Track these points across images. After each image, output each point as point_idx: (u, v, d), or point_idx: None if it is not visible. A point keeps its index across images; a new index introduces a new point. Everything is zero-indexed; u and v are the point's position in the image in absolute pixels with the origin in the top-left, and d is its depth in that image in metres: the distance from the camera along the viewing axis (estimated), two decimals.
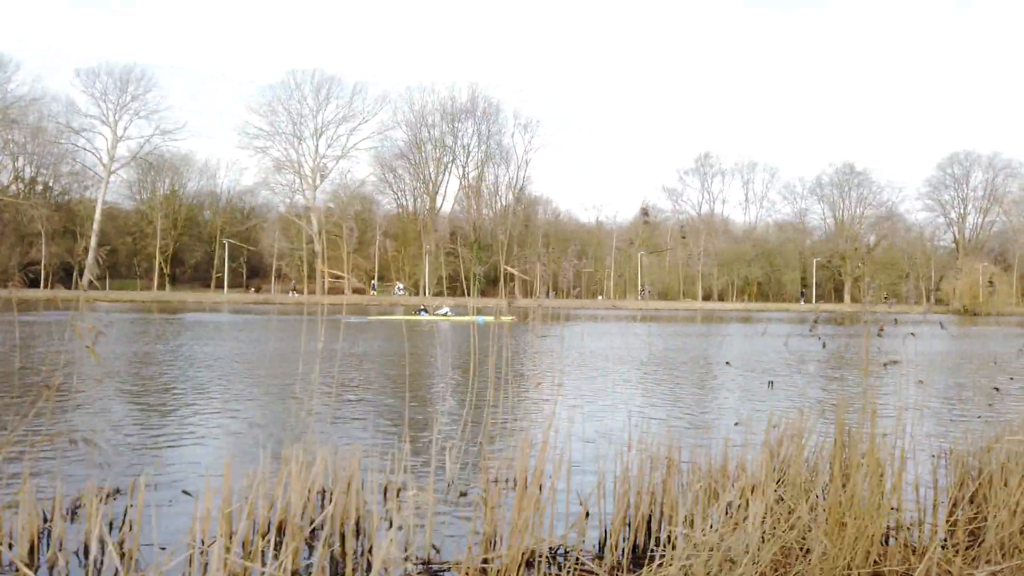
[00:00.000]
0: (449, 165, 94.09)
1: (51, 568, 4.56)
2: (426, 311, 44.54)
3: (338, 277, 67.36)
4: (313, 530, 5.15)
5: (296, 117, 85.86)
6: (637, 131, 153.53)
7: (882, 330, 5.59)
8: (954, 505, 5.33)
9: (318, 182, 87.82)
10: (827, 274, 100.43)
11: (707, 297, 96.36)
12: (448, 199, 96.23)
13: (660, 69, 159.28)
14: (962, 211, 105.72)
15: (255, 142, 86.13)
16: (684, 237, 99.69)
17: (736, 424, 8.98)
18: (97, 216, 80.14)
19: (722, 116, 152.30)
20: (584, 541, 5.06)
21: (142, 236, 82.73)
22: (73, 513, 5.44)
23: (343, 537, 4.99)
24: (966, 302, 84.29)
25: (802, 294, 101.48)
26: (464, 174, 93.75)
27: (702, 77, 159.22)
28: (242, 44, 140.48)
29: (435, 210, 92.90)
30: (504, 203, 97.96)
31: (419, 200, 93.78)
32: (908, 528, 4.91)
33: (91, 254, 78.37)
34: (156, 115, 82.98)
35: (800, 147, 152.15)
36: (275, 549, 4.78)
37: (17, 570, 4.27)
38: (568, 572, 4.40)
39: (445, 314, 43.19)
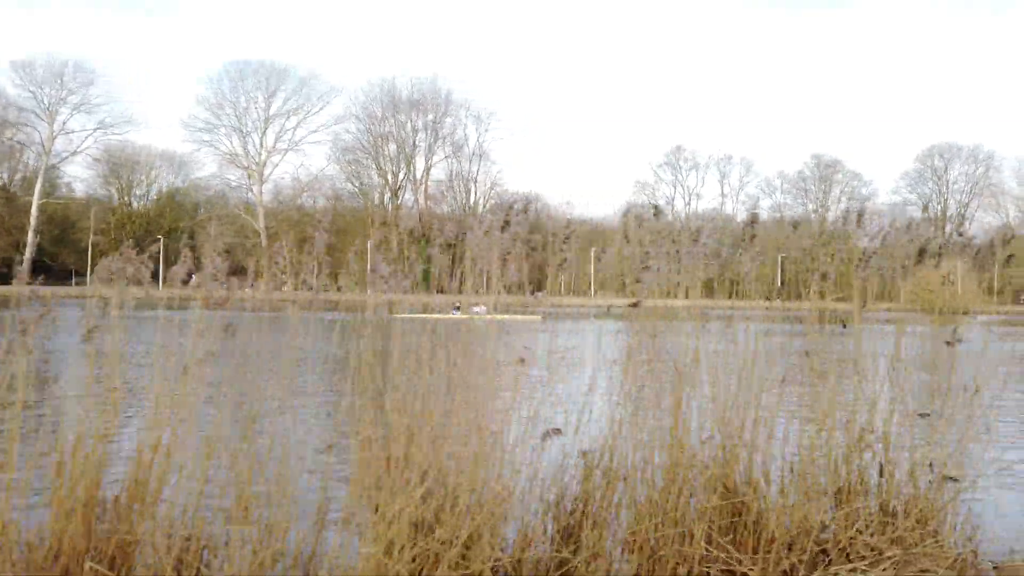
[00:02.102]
0: (414, 158, 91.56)
1: None
2: (459, 309, 42.79)
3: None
4: None
5: (240, 110, 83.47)
6: (613, 126, 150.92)
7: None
8: None
9: (265, 176, 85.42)
10: (798, 270, 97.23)
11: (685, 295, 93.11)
12: (417, 193, 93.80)
13: (635, 64, 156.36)
14: (943, 204, 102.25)
15: (201, 136, 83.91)
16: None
17: None
18: (34, 212, 78.02)
19: (698, 110, 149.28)
20: None
21: (75, 231, 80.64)
22: None
23: None
24: (927, 299, 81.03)
25: (778, 292, 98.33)
26: (427, 167, 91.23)
27: (678, 71, 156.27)
28: (199, 35, 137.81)
29: (397, 205, 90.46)
30: (476, 198, 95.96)
31: (384, 195, 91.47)
32: None
33: (28, 249, 76.64)
34: (100, 108, 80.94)
35: (779, 142, 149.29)
36: None
37: None
38: None
39: (478, 313, 41.77)
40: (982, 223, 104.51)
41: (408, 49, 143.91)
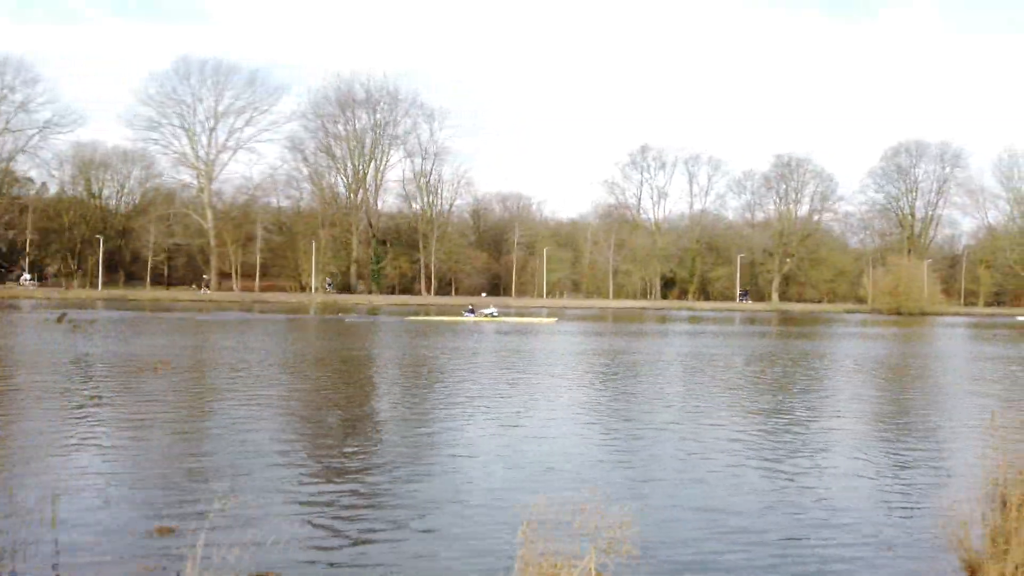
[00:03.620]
0: (375, 158, 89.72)
1: None
2: (472, 311, 43.71)
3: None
4: None
5: (186, 108, 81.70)
6: (584, 124, 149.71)
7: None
8: None
9: (213, 174, 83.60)
10: (758, 270, 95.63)
11: (646, 294, 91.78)
12: (382, 190, 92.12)
13: (606, 63, 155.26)
14: (911, 203, 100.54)
15: (148, 134, 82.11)
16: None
17: None
18: None
19: (666, 110, 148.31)
20: None
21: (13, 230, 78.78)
22: None
23: None
24: (889, 300, 79.37)
25: (745, 293, 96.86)
26: (378, 167, 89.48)
27: (650, 71, 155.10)
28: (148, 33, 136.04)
29: (357, 202, 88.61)
30: (441, 198, 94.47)
31: (333, 194, 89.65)
32: None
33: None
34: (44, 107, 78.97)
35: (748, 141, 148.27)
36: None
37: None
38: None
39: (491, 315, 42.81)
40: (957, 223, 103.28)
41: (366, 47, 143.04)
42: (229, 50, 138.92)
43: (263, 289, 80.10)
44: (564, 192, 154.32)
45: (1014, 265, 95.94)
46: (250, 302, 65.89)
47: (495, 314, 43.41)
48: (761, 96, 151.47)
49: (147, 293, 69.05)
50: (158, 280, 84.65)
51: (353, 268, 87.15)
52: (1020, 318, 69.21)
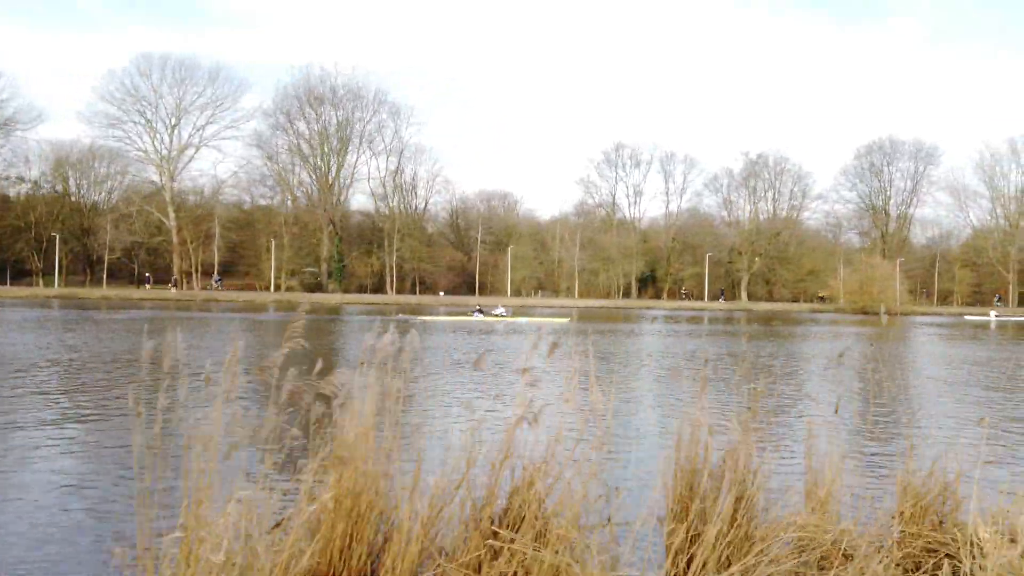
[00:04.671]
0: (342, 153, 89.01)
1: None
2: (481, 312, 43.16)
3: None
4: None
5: (146, 104, 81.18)
6: (560, 122, 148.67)
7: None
8: None
9: (175, 172, 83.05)
10: (726, 269, 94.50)
11: (609, 294, 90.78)
12: (349, 188, 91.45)
13: (587, 63, 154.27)
14: (885, 201, 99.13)
15: (108, 132, 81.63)
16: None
17: None
18: None
19: (644, 108, 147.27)
20: None
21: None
22: None
23: None
24: (855, 299, 78.14)
25: (722, 292, 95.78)
26: (339, 164, 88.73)
27: (625, 70, 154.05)
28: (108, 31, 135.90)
29: (323, 200, 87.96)
30: (417, 197, 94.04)
31: (311, 190, 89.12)
32: None
33: None
34: (6, 104, 78.65)
35: (726, 139, 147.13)
36: None
37: None
38: None
39: (501, 315, 42.27)
40: (941, 222, 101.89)
41: (333, 43, 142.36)
42: (197, 46, 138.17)
43: (228, 288, 79.51)
44: (548, 191, 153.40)
45: (996, 264, 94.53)
46: (200, 300, 65.32)
47: (505, 314, 42.73)
48: (740, 95, 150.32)
49: (97, 292, 68.45)
50: (129, 279, 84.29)
51: (324, 267, 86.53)
52: (968, 317, 67.92)
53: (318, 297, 73.82)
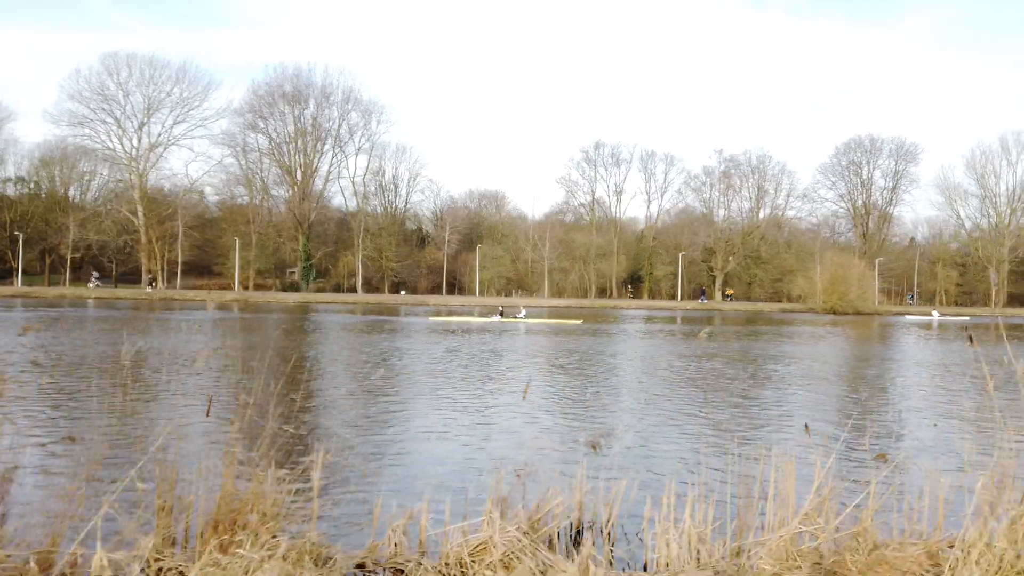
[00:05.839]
0: (311, 152, 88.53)
1: None
2: (503, 314, 43.02)
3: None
4: None
5: (113, 103, 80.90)
6: (540, 121, 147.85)
7: None
8: None
9: (144, 171, 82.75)
10: (699, 269, 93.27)
11: (594, 293, 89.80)
12: (317, 187, 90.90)
13: (573, 63, 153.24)
14: (865, 200, 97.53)
15: (75, 130, 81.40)
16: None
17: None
18: None
19: (620, 107, 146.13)
20: None
21: None
22: None
23: None
24: (825, 299, 76.69)
25: (702, 292, 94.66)
26: (306, 164, 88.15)
27: (608, 69, 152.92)
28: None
29: (297, 198, 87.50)
30: (399, 195, 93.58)
31: (287, 190, 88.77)
32: None
33: None
34: None
35: (713, 140, 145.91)
36: None
37: None
38: None
39: (522, 316, 41.93)
40: (916, 221, 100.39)
41: (310, 40, 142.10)
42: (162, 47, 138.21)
43: (198, 287, 79.26)
44: (539, 191, 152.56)
45: (985, 262, 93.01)
46: (157, 299, 64.95)
47: (525, 315, 42.64)
48: (729, 93, 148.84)
49: (52, 291, 68.19)
50: (107, 278, 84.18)
51: (300, 267, 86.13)
52: (909, 318, 66.73)
53: (276, 295, 73.30)
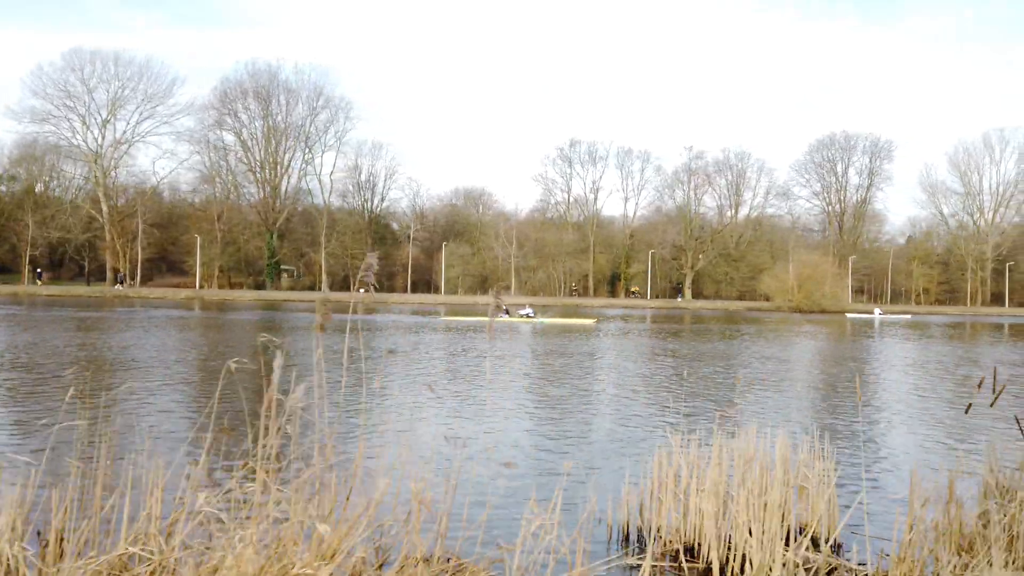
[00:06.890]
0: (280, 150, 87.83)
1: None
2: (508, 312, 41.51)
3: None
4: None
5: (78, 100, 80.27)
6: (518, 118, 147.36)
7: None
8: None
9: (109, 167, 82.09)
10: (670, 267, 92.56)
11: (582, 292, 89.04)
12: (298, 185, 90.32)
13: (558, 61, 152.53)
14: (840, 198, 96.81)
15: (37, 127, 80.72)
16: None
17: None
18: None
19: (596, 104, 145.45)
20: None
21: None
22: None
23: None
24: (791, 297, 76.05)
25: (678, 287, 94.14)
26: (274, 160, 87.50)
27: (590, 67, 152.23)
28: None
29: (263, 195, 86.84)
30: (374, 194, 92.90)
31: (254, 188, 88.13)
32: None
33: None
34: None
35: (684, 138, 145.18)
36: None
37: None
38: None
39: (527, 316, 40.86)
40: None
41: (310, 40, 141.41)
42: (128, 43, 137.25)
43: (156, 285, 78.83)
44: (522, 189, 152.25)
45: (966, 258, 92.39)
46: (111, 297, 64.34)
47: (531, 315, 41.16)
48: (715, 91, 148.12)
49: (5, 288, 67.55)
50: (71, 275, 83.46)
51: (268, 265, 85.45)
52: (850, 316, 66.11)
53: (233, 293, 72.64)
